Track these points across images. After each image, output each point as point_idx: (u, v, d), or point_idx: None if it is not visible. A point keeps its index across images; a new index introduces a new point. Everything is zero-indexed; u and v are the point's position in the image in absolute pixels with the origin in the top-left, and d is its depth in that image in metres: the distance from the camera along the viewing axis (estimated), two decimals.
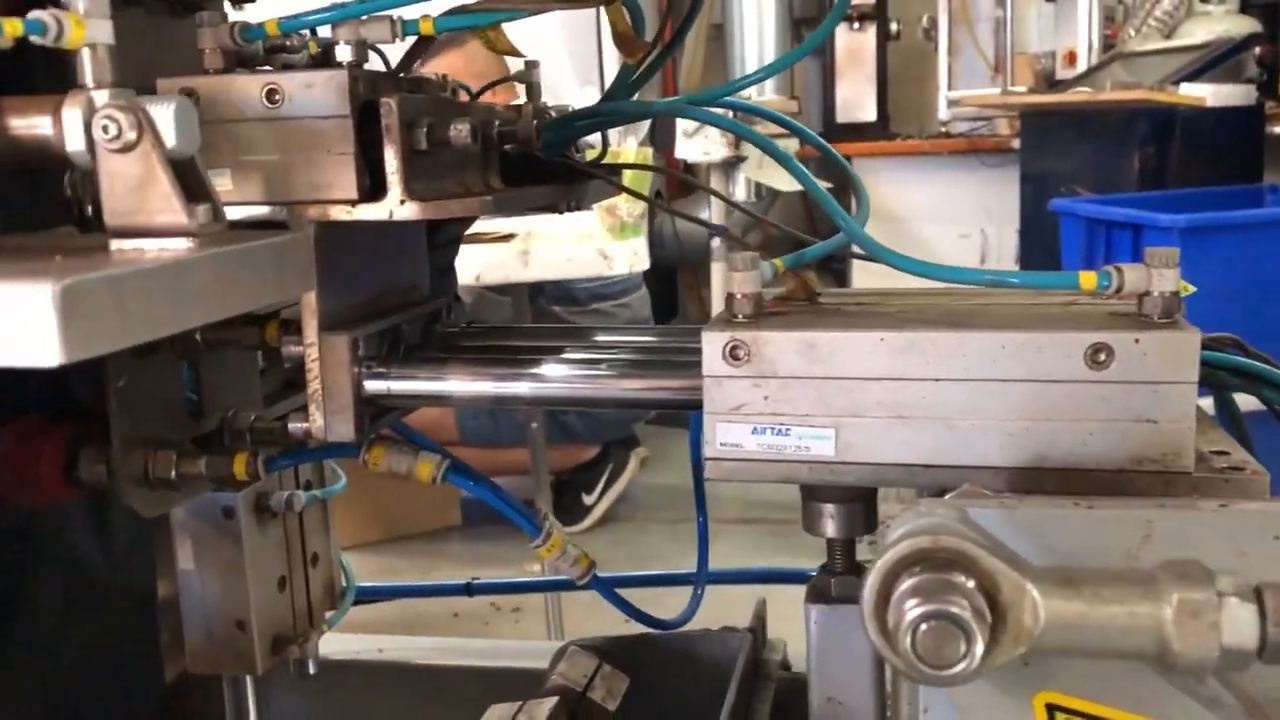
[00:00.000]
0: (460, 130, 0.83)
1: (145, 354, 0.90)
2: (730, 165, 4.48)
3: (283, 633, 1.44)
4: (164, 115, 0.64)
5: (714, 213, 4.57)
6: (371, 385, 0.90)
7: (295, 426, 0.91)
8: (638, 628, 1.16)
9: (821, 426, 0.79)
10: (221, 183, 0.80)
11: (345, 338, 0.87)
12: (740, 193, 4.63)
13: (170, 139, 0.64)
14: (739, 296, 0.81)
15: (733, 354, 0.79)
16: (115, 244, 0.64)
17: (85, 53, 0.64)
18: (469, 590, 1.68)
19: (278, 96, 0.80)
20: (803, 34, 5.52)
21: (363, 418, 0.90)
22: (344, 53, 0.83)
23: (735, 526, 3.40)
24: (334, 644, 1.63)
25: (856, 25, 5.49)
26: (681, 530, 3.48)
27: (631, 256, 2.71)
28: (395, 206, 0.81)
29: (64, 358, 0.52)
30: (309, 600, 1.49)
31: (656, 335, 1.06)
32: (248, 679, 1.50)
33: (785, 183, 4.39)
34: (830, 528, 0.88)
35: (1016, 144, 4.60)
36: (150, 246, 0.64)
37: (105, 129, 0.63)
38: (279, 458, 1.01)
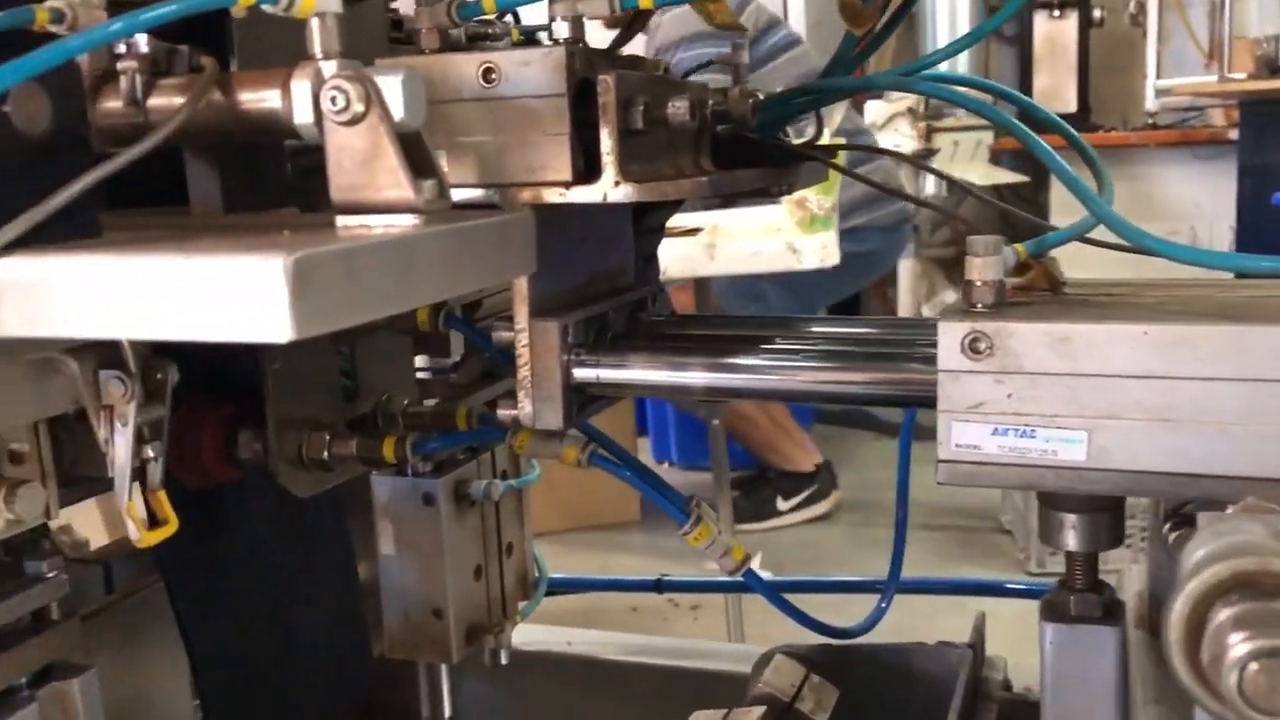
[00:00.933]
0: (679, 108, 0.79)
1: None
2: (921, 159, 4.33)
3: (477, 622, 1.43)
4: (392, 86, 0.62)
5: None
6: (580, 373, 0.88)
7: (503, 413, 0.89)
8: (820, 635, 1.11)
9: (1072, 429, 0.71)
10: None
11: (556, 324, 0.85)
12: (930, 188, 4.47)
13: (399, 111, 0.62)
14: (979, 284, 0.74)
15: (973, 347, 0.72)
16: (341, 220, 0.63)
17: (314, 22, 0.62)
18: (658, 587, 1.65)
19: (494, 75, 0.78)
20: None
21: (570, 406, 0.88)
22: (561, 29, 0.80)
23: (919, 533, 3.28)
24: (522, 635, 1.62)
25: (1057, 13, 5.25)
26: (863, 535, 3.37)
27: (821, 250, 2.63)
28: (609, 189, 0.78)
29: (295, 333, 0.50)
30: (503, 590, 1.48)
31: (876, 327, 1.00)
32: (442, 667, 1.51)
33: (979, 176, 4.22)
34: (1072, 539, 0.81)
35: (1233, 135, 4.29)
36: (376, 223, 0.62)
37: (334, 100, 0.61)
38: (428, 440, 1.02)
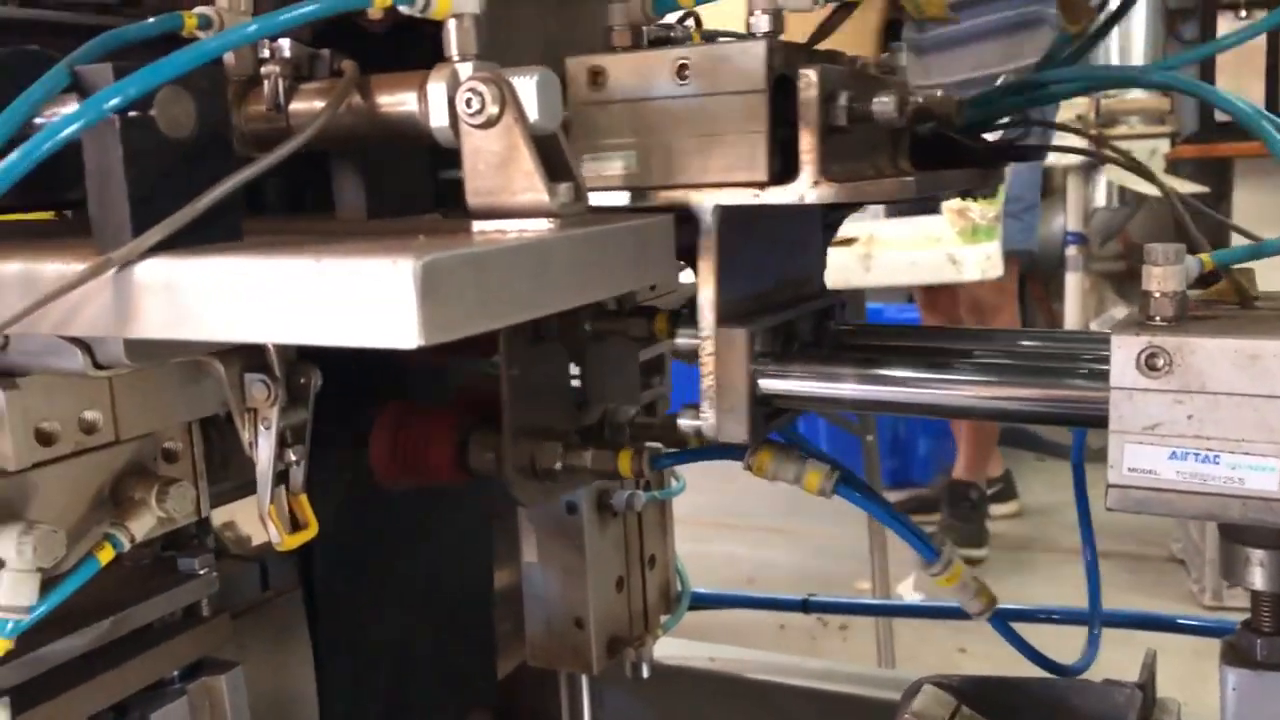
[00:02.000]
0: (885, 105, 0.73)
1: (536, 342, 0.88)
2: (1090, 168, 4.15)
3: (619, 634, 1.42)
4: (527, 88, 0.60)
5: (1069, 217, 4.26)
6: (767, 384, 0.82)
7: (685, 423, 0.84)
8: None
9: (1261, 455, 0.65)
10: (626, 165, 0.76)
11: (743, 332, 0.79)
12: (1100, 197, 4.28)
13: (533, 113, 0.60)
14: (1158, 295, 0.68)
15: (1149, 363, 0.66)
16: (477, 225, 0.61)
17: (451, 24, 0.61)
18: (805, 607, 1.61)
19: (688, 72, 0.74)
20: (1177, 26, 5.05)
21: (756, 418, 0.82)
22: (760, 23, 0.75)
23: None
24: (664, 648, 1.60)
25: (1244, 14, 4.96)
26: (1024, 561, 3.23)
27: (984, 262, 2.53)
28: (807, 189, 0.73)
29: (422, 339, 0.49)
30: (645, 602, 1.47)
31: (1043, 340, 0.93)
32: (583, 678, 1.50)
33: (1152, 186, 4.01)
34: (1259, 578, 0.73)
35: None
36: (511, 228, 0.60)
37: (468, 103, 0.60)
38: (665, 456, 0.97)
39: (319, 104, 0.65)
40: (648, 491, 1.49)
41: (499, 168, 0.61)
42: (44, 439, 0.74)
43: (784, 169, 0.74)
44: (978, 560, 3.16)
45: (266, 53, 0.67)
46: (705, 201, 0.75)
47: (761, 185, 0.74)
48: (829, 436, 3.84)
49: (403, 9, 0.59)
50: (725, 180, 0.74)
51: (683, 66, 0.74)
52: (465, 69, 0.61)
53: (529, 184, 0.60)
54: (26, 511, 0.73)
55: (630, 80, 0.76)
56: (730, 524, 3.57)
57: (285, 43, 0.66)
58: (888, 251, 2.57)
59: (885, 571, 2.52)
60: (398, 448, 0.99)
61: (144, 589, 0.89)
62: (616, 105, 0.75)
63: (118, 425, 0.78)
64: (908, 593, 2.88)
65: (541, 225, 0.60)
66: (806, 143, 0.73)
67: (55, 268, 0.56)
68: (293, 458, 0.78)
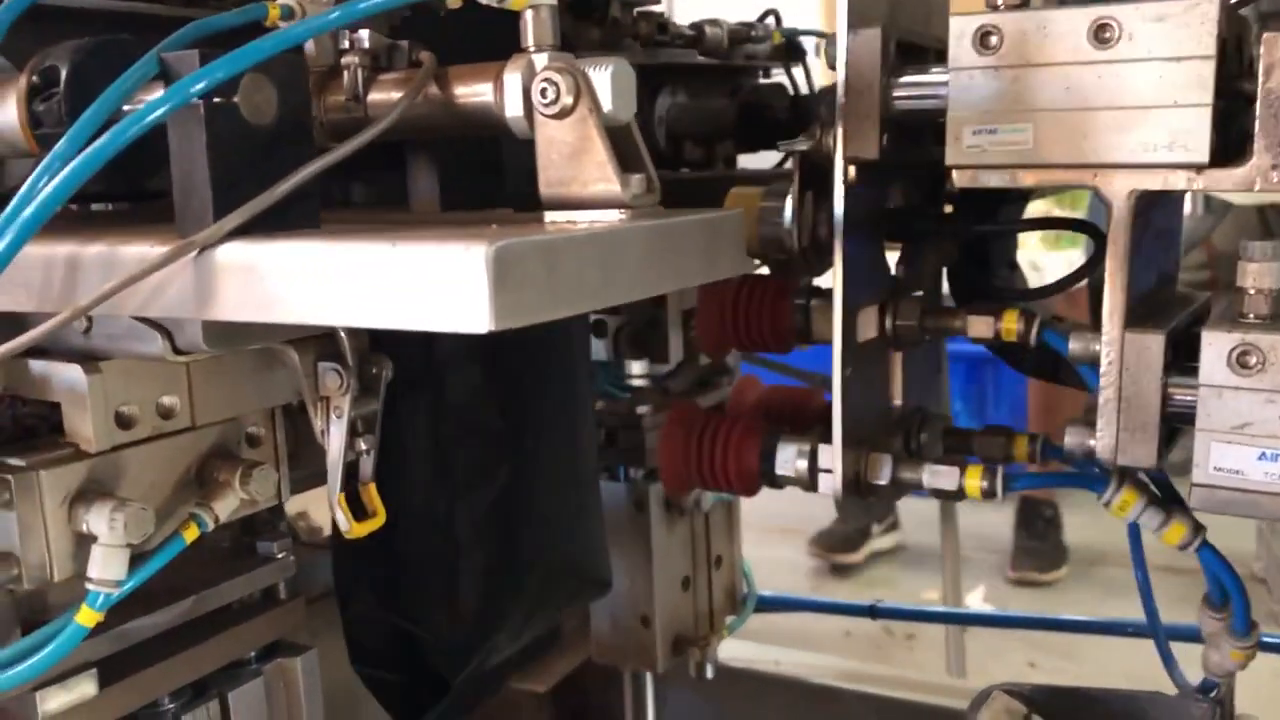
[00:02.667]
0: None
1: (863, 342, 0.83)
2: None
3: (684, 633, 1.42)
4: (602, 79, 0.60)
5: None
6: (1182, 398, 0.71)
7: (1072, 441, 0.76)
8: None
9: None
10: (1020, 139, 0.70)
11: (1159, 337, 0.70)
12: (1185, 204, 4.17)
13: (607, 103, 0.60)
14: (1253, 292, 0.66)
15: (1241, 361, 0.65)
16: (549, 216, 0.62)
17: (528, 14, 0.62)
18: (872, 613, 1.59)
19: (1110, 33, 0.67)
20: None
21: (1163, 440, 0.72)
22: None
23: (1156, 574, 3.04)
24: (730, 649, 1.59)
25: None
26: (1096, 576, 3.15)
27: (1068, 269, 2.49)
28: (1263, 175, 0.64)
29: (494, 324, 0.49)
30: (710, 603, 1.46)
31: None
32: (648, 676, 1.50)
33: (1240, 194, 3.90)
34: None
35: None
36: (583, 218, 0.61)
37: (543, 93, 0.60)
38: (1023, 478, 0.87)
39: (396, 94, 0.66)
40: (715, 493, 1.49)
41: (572, 158, 0.61)
42: (123, 422, 0.76)
43: (1225, 149, 0.66)
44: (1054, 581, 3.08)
45: (346, 44, 0.68)
46: (1117, 185, 0.68)
47: (1199, 168, 0.66)
48: None
49: None
50: (1146, 161, 0.67)
51: (1103, 27, 0.67)
52: (541, 59, 0.62)
53: (601, 174, 0.60)
54: (116, 490, 0.75)
55: (1031, 42, 0.69)
56: (796, 529, 3.54)
57: (364, 34, 0.67)
58: None
59: (957, 582, 2.48)
60: (692, 453, 0.98)
61: (224, 571, 0.91)
62: (1009, 71, 0.69)
63: (194, 411, 0.80)
64: (977, 604, 2.84)
65: (613, 216, 0.60)
66: (1266, 120, 0.64)
67: (137, 250, 0.58)
68: (363, 447, 0.79)
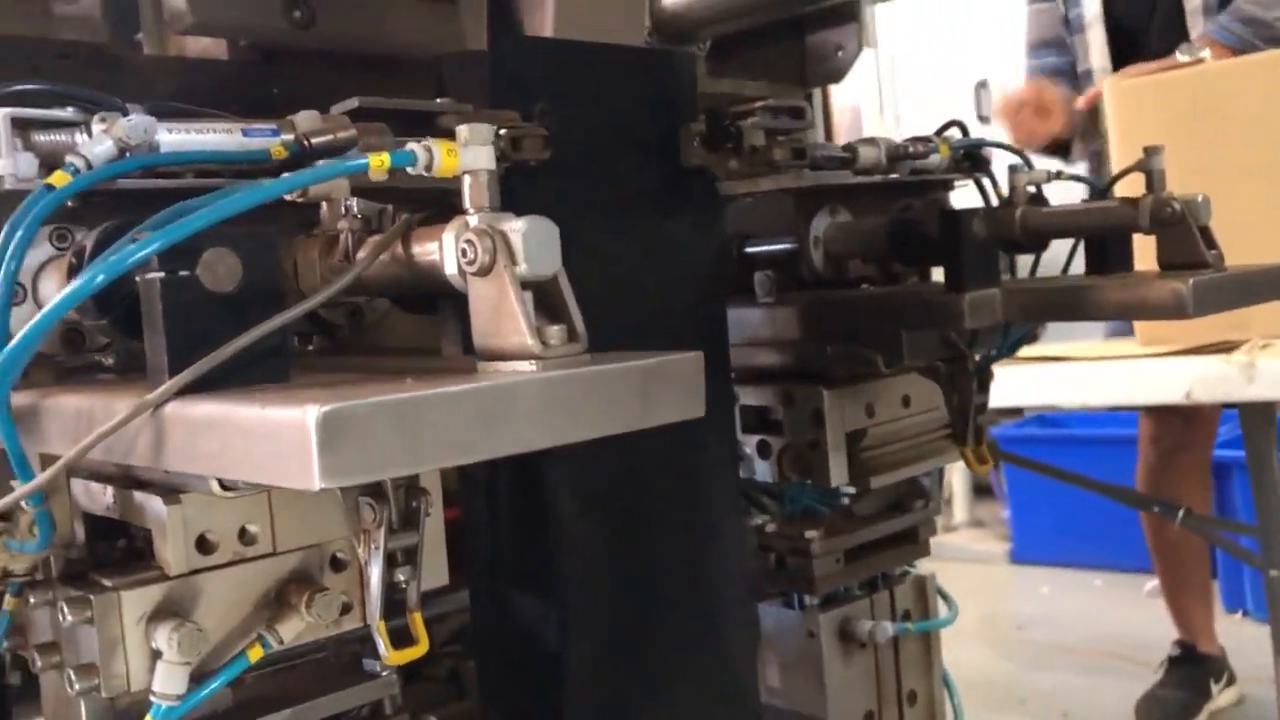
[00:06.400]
0: None
1: None
2: None
3: None
4: (517, 238, 0.62)
5: None
6: None
7: None
8: None
9: None
10: None
11: None
12: None
13: (523, 260, 0.62)
14: None
15: None
16: (480, 365, 0.64)
17: (466, 179, 0.65)
18: None
19: None
20: None
21: None
22: None
23: None
24: None
25: None
26: None
27: None
28: None
29: (321, 483, 0.52)
30: None
31: None
32: None
33: None
34: None
35: None
36: (505, 369, 0.63)
37: (464, 252, 0.63)
38: None
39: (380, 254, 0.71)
40: (902, 623, 1.41)
41: (493, 312, 0.63)
42: (205, 548, 0.85)
43: None
44: None
45: (342, 209, 0.74)
46: None
47: None
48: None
49: (409, 170, 0.64)
50: None
51: None
52: (474, 220, 0.65)
53: (514, 327, 0.62)
54: (194, 611, 0.84)
55: None
56: (1129, 656, 3.21)
57: (355, 201, 0.73)
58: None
59: None
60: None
61: (333, 684, 0.99)
62: None
63: (275, 537, 0.88)
64: None
65: (525, 367, 0.62)
66: None
67: (106, 406, 0.66)
68: (401, 577, 0.83)
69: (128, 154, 0.77)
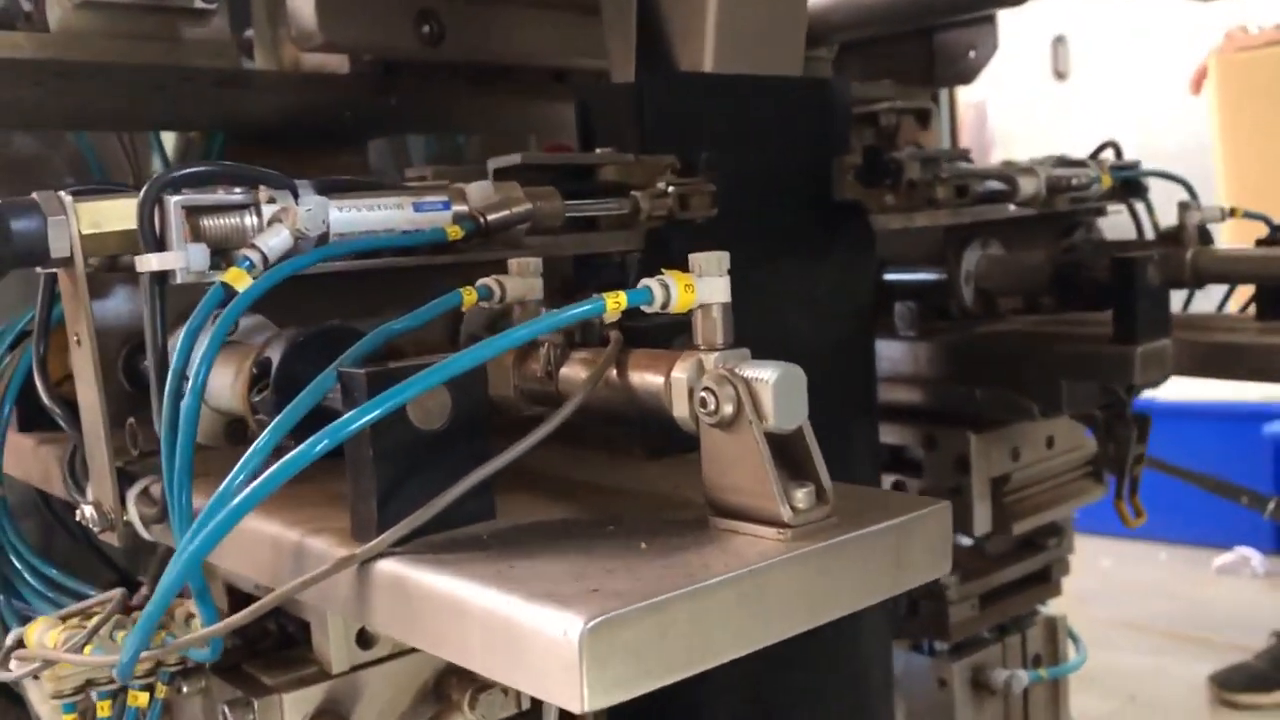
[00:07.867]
0: None
1: None
2: None
3: None
4: (765, 389, 0.56)
5: None
6: None
7: None
8: None
9: None
10: None
11: None
12: None
13: (770, 415, 0.56)
14: None
15: None
16: (714, 522, 0.59)
17: (698, 313, 0.59)
18: None
19: None
20: None
21: None
22: None
23: None
24: None
25: None
26: None
27: None
28: None
29: (589, 706, 0.47)
30: None
31: None
32: None
33: None
34: None
35: None
36: (745, 530, 0.57)
37: (703, 402, 0.57)
38: None
39: (584, 373, 0.65)
40: (1035, 670, 1.36)
41: (733, 466, 0.57)
42: (364, 642, 0.81)
43: None
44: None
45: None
46: None
47: None
48: None
49: (644, 308, 0.58)
50: None
51: None
52: (710, 360, 0.59)
53: (761, 489, 0.56)
54: (354, 708, 0.81)
55: None
56: (1199, 638, 3.15)
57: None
58: None
59: None
60: None
61: None
62: None
63: None
64: None
65: (770, 533, 0.56)
66: None
67: (322, 545, 0.61)
68: None
69: (300, 242, 0.72)
